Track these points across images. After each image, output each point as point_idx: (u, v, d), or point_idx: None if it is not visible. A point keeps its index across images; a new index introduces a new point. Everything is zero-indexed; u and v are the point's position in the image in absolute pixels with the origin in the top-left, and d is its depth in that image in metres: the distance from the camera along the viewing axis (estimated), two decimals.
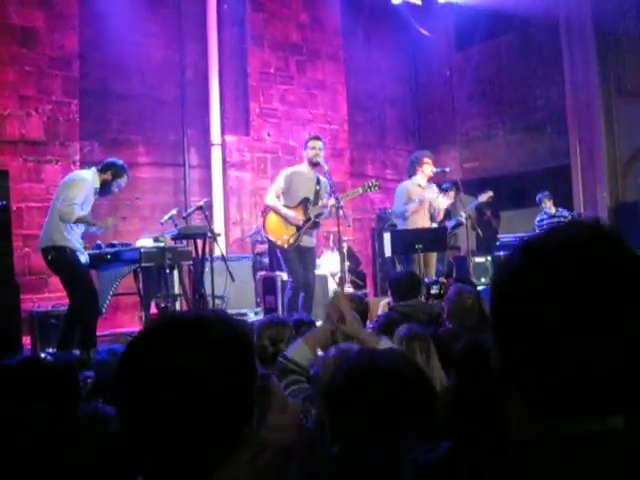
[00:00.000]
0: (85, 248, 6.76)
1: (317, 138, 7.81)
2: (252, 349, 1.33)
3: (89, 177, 6.66)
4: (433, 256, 8.52)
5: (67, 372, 2.68)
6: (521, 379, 1.01)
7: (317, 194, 7.69)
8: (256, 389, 1.30)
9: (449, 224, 9.58)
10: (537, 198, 10.97)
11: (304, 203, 7.62)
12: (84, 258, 6.63)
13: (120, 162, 6.93)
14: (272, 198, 7.68)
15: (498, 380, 1.05)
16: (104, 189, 6.79)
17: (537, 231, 10.50)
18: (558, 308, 0.96)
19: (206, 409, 1.17)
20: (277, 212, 7.57)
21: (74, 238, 6.49)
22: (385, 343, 3.08)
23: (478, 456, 1.05)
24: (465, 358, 2.23)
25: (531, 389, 1.00)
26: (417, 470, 1.15)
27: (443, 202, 8.61)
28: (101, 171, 6.77)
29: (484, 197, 9.37)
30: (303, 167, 7.78)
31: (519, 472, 0.98)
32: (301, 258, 7.60)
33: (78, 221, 6.44)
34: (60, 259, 6.41)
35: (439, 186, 9.05)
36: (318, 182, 7.72)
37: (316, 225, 7.69)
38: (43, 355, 6.32)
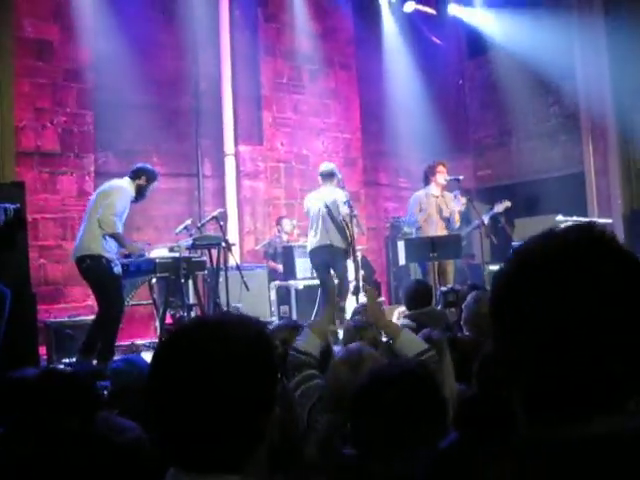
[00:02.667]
0: None
1: None
2: (272, 348, 1.40)
3: (127, 186, 6.73)
4: (450, 264, 8.49)
5: (86, 382, 2.70)
6: (517, 382, 1.03)
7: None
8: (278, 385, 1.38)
9: (467, 229, 9.50)
10: None
11: None
12: (117, 269, 6.66)
13: (149, 166, 7.01)
14: None
15: (506, 381, 1.06)
16: (140, 195, 6.87)
17: None
18: (549, 312, 0.97)
19: (232, 404, 1.25)
20: None
21: (110, 248, 6.54)
22: (407, 334, 3.07)
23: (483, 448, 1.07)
24: (485, 366, 2.23)
25: (525, 392, 1.02)
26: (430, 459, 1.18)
27: (456, 206, 8.59)
28: (134, 178, 6.84)
29: (501, 207, 9.20)
30: None
31: (510, 471, 0.98)
32: None
33: (114, 236, 6.51)
34: (95, 268, 6.46)
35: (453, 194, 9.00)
36: None
37: None
38: (61, 366, 6.37)
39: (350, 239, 8.12)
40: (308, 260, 8.83)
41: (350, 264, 8.34)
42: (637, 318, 0.97)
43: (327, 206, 8.16)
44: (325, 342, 3.28)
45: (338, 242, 8.18)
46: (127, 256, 7.22)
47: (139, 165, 7.06)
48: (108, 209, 6.48)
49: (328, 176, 8.39)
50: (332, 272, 8.36)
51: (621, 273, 0.99)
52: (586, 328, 0.95)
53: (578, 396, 0.97)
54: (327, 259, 8.23)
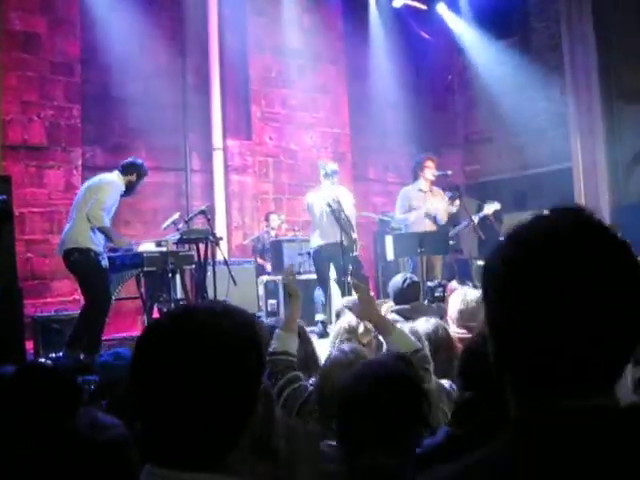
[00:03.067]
0: None
1: None
2: (260, 339, 1.34)
3: (117, 180, 6.71)
4: (438, 259, 8.50)
5: (67, 376, 2.68)
6: (512, 363, 1.03)
7: None
8: (263, 380, 1.35)
9: (457, 228, 9.50)
10: None
11: None
12: (105, 262, 6.65)
13: (139, 161, 7.00)
14: None
15: (495, 367, 1.06)
16: (130, 190, 6.85)
17: None
18: (544, 296, 0.98)
19: (214, 398, 1.21)
20: None
21: (98, 242, 6.53)
22: (399, 332, 3.05)
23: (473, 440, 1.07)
24: (470, 361, 2.23)
25: (520, 372, 1.02)
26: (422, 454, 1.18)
27: (448, 208, 8.61)
28: (124, 173, 6.82)
29: (490, 209, 9.21)
30: None
31: (504, 450, 0.99)
32: None
33: (102, 230, 6.49)
34: (82, 261, 6.44)
35: (444, 190, 8.96)
36: None
37: None
38: (43, 360, 6.35)
39: (354, 236, 8.26)
40: (296, 254, 8.85)
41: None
42: (634, 304, 0.98)
43: (330, 205, 8.15)
44: (301, 337, 3.28)
45: (344, 239, 8.17)
46: (114, 250, 7.20)
47: (130, 160, 7.04)
48: (97, 204, 6.46)
49: (331, 174, 8.38)
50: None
51: (618, 256, 1.01)
52: (587, 311, 0.96)
53: (575, 374, 0.97)
54: (332, 256, 8.23)
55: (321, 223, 8.34)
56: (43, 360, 6.36)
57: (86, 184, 6.94)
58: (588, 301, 0.96)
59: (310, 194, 8.71)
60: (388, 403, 1.98)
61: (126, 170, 6.85)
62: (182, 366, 1.21)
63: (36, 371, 2.63)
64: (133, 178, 6.83)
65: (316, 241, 8.42)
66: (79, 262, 6.46)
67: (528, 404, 1.00)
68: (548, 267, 0.98)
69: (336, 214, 8.11)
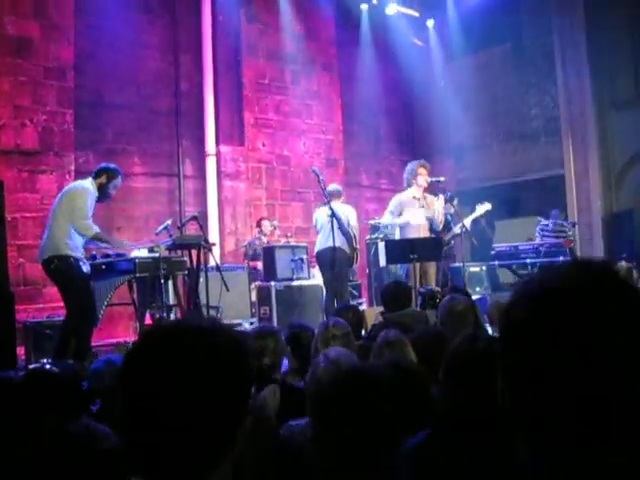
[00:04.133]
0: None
1: None
2: (247, 357, 1.35)
3: (90, 186, 6.67)
4: (432, 266, 8.50)
5: (73, 381, 2.69)
6: (525, 414, 1.03)
7: None
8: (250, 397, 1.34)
9: (450, 234, 9.52)
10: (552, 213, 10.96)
11: None
12: (86, 268, 6.63)
13: (112, 165, 6.94)
14: None
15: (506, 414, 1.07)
16: (102, 193, 6.78)
17: (537, 237, 10.53)
18: (557, 356, 0.98)
19: (200, 414, 1.21)
20: None
21: (77, 247, 6.49)
22: None
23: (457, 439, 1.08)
24: (455, 362, 2.24)
25: (533, 425, 1.02)
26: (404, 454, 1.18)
27: (446, 207, 8.65)
28: (95, 177, 6.78)
29: (481, 210, 9.26)
30: None
31: None
32: None
33: (95, 238, 6.48)
34: (63, 268, 6.39)
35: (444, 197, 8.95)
36: None
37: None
38: (48, 366, 6.32)
39: (355, 247, 8.85)
40: (289, 260, 8.91)
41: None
42: None
43: (335, 215, 8.44)
44: None
45: (343, 246, 8.60)
46: (107, 255, 7.18)
47: (101, 165, 7.01)
48: (79, 215, 6.41)
49: (336, 194, 8.97)
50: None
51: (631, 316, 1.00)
52: (598, 371, 0.97)
53: (594, 425, 0.98)
54: (331, 260, 8.45)
55: (323, 230, 8.79)
56: (48, 366, 6.35)
57: (62, 191, 6.90)
58: (601, 363, 0.97)
59: (318, 210, 9.32)
60: (366, 410, 1.98)
61: (96, 174, 6.81)
62: (171, 381, 1.21)
63: (43, 376, 2.64)
64: (103, 180, 6.76)
65: (319, 244, 8.91)
66: (59, 269, 6.41)
67: (547, 452, 1.01)
68: (560, 329, 0.99)
69: (340, 223, 8.53)
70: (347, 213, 8.88)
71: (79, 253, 6.52)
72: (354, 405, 1.96)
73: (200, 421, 1.21)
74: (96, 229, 6.50)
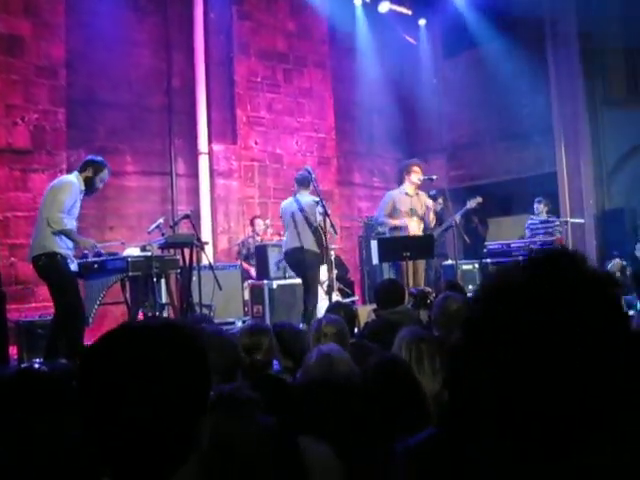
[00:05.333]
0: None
1: None
2: (204, 357, 1.37)
3: (74, 180, 6.62)
4: (421, 264, 8.52)
5: (64, 380, 2.67)
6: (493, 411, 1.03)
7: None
8: (209, 395, 1.37)
9: (440, 229, 9.55)
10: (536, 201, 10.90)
11: None
12: (74, 266, 6.59)
13: (98, 158, 6.88)
14: None
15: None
16: (89, 187, 6.72)
17: (528, 234, 10.54)
18: (502, 355, 0.98)
19: (157, 415, 1.23)
20: None
21: (65, 245, 6.45)
22: None
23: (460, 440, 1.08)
24: (454, 360, 2.23)
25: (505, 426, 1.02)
26: (405, 453, 1.19)
27: (433, 206, 8.67)
28: (81, 171, 6.73)
29: (473, 203, 9.32)
30: None
31: None
32: None
33: (63, 233, 6.40)
34: (50, 265, 6.35)
35: (427, 193, 9.02)
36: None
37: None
38: (37, 365, 6.28)
39: (325, 244, 8.00)
40: (281, 259, 8.87)
41: (323, 268, 8.37)
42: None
43: (303, 209, 8.08)
44: None
45: (311, 246, 8.07)
46: (99, 254, 7.16)
47: (87, 158, 6.96)
48: (55, 206, 6.35)
49: (302, 183, 8.28)
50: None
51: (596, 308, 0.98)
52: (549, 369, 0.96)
53: (550, 434, 0.97)
54: (299, 261, 8.18)
55: (289, 227, 8.33)
56: (37, 366, 6.31)
57: (48, 187, 6.86)
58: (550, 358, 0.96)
59: (284, 201, 8.71)
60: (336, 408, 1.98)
61: (82, 167, 6.75)
62: (125, 378, 1.23)
63: (33, 375, 2.62)
64: (89, 174, 6.70)
65: (285, 244, 8.45)
66: (47, 267, 6.37)
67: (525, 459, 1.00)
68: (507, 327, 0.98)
69: (309, 220, 8.09)
70: (312, 203, 8.07)
71: (67, 251, 6.47)
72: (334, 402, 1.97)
73: (158, 417, 1.23)
74: (67, 225, 6.36)
